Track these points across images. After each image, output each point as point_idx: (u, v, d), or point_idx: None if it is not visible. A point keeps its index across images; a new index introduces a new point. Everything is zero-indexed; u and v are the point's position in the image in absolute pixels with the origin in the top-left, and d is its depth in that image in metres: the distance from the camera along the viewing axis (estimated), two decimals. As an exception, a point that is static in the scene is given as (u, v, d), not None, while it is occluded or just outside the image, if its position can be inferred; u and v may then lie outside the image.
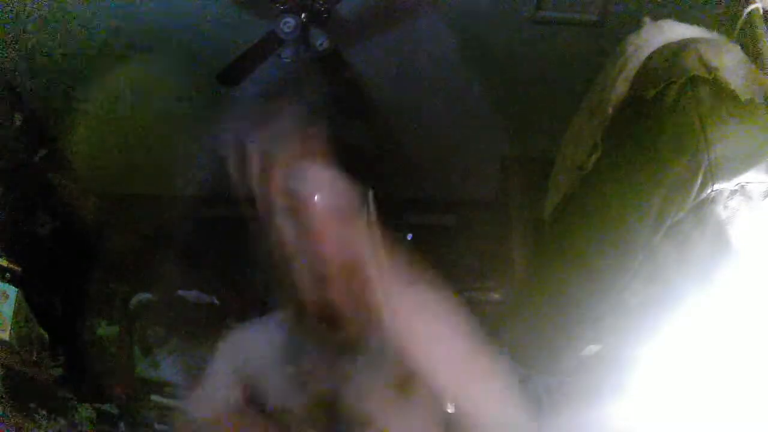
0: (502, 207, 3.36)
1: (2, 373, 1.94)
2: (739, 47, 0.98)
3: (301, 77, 2.81)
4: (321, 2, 2.35)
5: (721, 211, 0.90)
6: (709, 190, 0.89)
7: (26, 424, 1.92)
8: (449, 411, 1.22)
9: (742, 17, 1.02)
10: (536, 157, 2.72)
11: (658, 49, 0.98)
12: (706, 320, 0.94)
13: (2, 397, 1.89)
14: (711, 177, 0.88)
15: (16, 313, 2.05)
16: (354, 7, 2.47)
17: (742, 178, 0.89)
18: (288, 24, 2.30)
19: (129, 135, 3.21)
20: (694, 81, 0.91)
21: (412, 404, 1.22)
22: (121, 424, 2.58)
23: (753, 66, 0.96)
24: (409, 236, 3.63)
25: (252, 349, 1.31)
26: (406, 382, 1.22)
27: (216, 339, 1.39)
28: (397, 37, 2.63)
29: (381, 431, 1.19)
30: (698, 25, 1.03)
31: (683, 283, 0.94)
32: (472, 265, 3.44)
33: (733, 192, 0.90)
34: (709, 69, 0.91)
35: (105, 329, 3.12)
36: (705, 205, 0.90)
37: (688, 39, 0.97)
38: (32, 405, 2.00)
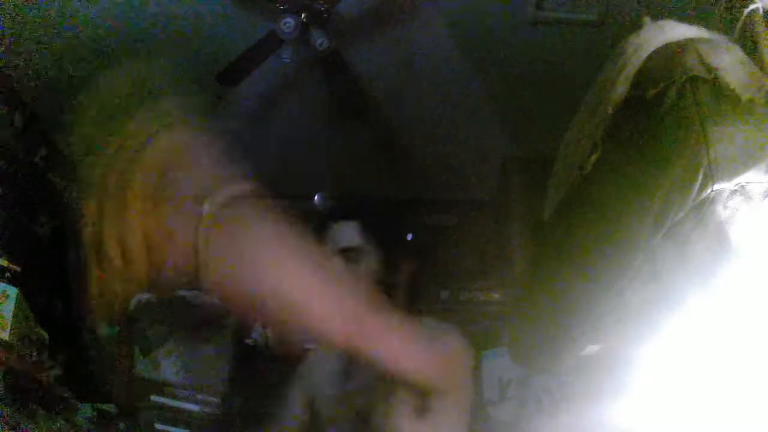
0: (502, 207, 3.37)
1: (2, 373, 1.94)
2: (739, 47, 0.98)
3: (301, 77, 2.81)
4: (321, 2, 2.35)
5: (721, 211, 0.90)
6: (709, 190, 0.88)
7: (26, 424, 1.92)
8: None
9: (742, 17, 1.02)
10: (536, 157, 2.72)
11: (658, 49, 0.98)
12: (706, 320, 0.94)
13: (2, 397, 1.89)
14: (711, 177, 0.88)
15: (16, 313, 2.05)
16: (354, 7, 2.47)
17: (742, 178, 0.89)
18: (288, 24, 2.31)
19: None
20: (694, 81, 0.90)
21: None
22: (121, 424, 2.58)
23: (753, 66, 0.96)
24: (409, 236, 3.63)
25: (314, 374, 1.60)
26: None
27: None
28: (397, 37, 2.63)
29: None
30: (698, 25, 1.03)
31: (683, 282, 0.94)
32: (472, 265, 3.44)
33: (733, 192, 0.89)
34: (709, 69, 0.91)
35: (105, 329, 3.12)
36: (705, 205, 0.90)
37: (688, 39, 0.97)
38: (32, 405, 2.00)
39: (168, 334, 3.07)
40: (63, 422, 2.12)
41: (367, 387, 1.43)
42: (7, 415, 1.86)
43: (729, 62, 0.92)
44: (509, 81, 2.83)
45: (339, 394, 1.50)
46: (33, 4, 2.46)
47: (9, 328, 2.01)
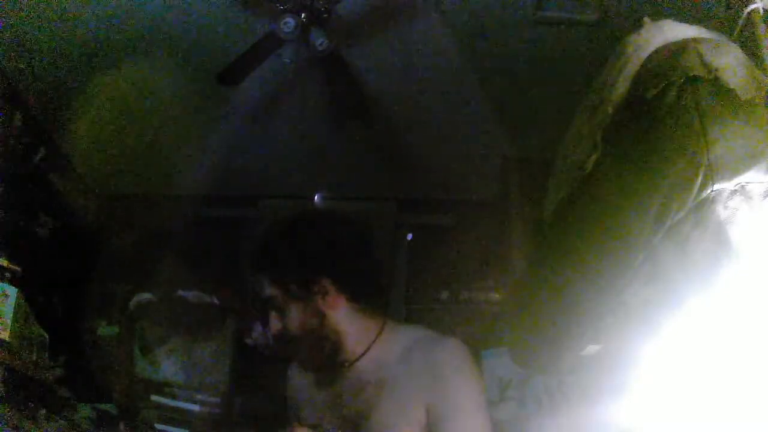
0: (502, 207, 3.37)
1: (2, 373, 1.94)
2: (739, 47, 0.98)
3: (301, 77, 2.81)
4: (321, 2, 2.35)
5: (721, 211, 0.90)
6: (709, 190, 0.89)
7: (26, 424, 1.92)
8: None
9: (742, 17, 1.02)
10: (536, 157, 2.73)
11: (658, 49, 0.98)
12: (706, 320, 0.94)
13: (2, 397, 1.89)
14: (711, 177, 0.88)
15: (16, 313, 2.05)
16: (354, 7, 2.47)
17: (742, 178, 0.89)
18: (288, 24, 2.30)
19: (129, 135, 3.21)
20: (694, 81, 0.90)
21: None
22: (121, 424, 2.58)
23: (753, 66, 0.96)
24: (409, 236, 3.63)
25: (294, 380, 1.58)
26: None
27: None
28: (397, 37, 2.63)
29: None
30: (698, 25, 1.03)
31: (683, 282, 0.94)
32: (472, 265, 3.44)
33: (733, 192, 0.89)
34: (709, 69, 0.91)
35: (105, 329, 3.12)
36: (705, 205, 0.90)
37: (688, 39, 0.97)
38: (32, 405, 2.00)
39: (168, 334, 3.07)
40: (63, 422, 2.12)
41: (354, 392, 1.39)
42: (8, 415, 1.86)
43: (729, 62, 0.92)
44: (509, 81, 2.83)
45: (322, 399, 1.45)
46: (33, 4, 2.46)
47: (9, 328, 2.00)
